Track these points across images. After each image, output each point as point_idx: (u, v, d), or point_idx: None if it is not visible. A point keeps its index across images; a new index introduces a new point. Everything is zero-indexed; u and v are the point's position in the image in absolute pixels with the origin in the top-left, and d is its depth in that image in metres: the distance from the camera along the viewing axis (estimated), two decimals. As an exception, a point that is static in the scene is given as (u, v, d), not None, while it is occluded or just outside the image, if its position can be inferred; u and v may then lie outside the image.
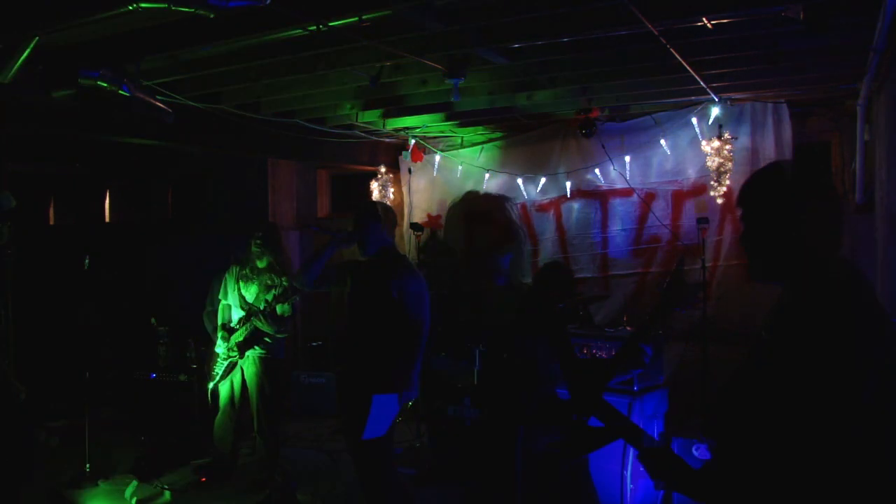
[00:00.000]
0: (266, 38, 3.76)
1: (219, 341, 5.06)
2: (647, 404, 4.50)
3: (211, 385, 5.15)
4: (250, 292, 5.03)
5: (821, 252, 1.75)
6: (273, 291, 4.96)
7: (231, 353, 5.02)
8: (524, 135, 7.15)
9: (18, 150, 5.87)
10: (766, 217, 1.78)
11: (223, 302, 5.13)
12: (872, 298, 1.71)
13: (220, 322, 5.13)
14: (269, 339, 5.03)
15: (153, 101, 4.18)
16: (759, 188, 1.83)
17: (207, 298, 5.21)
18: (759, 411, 1.68)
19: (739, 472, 1.69)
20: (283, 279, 4.95)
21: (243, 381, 5.14)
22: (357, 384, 3.92)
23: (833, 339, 1.60)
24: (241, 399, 5.24)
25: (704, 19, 3.49)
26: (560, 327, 2.76)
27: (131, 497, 4.88)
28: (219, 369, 5.08)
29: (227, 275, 5.11)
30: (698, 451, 4.17)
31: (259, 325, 4.94)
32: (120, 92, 3.80)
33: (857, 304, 1.67)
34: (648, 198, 6.42)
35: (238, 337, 4.98)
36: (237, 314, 5.07)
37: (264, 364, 5.00)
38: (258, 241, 4.95)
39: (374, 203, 4.15)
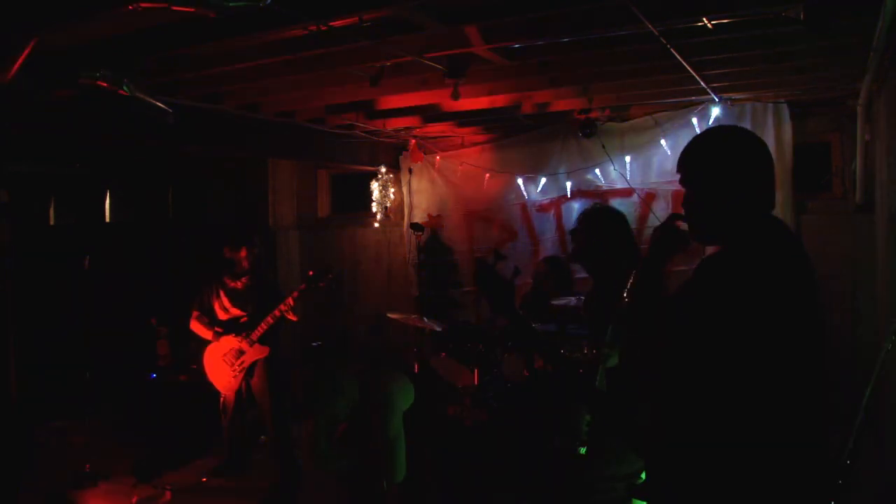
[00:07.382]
0: (266, 38, 3.76)
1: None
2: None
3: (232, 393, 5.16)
4: (237, 296, 5.05)
5: (758, 210, 1.86)
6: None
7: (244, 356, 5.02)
8: (524, 135, 7.14)
9: (18, 150, 5.86)
10: (713, 180, 1.88)
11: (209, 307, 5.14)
12: (798, 253, 1.82)
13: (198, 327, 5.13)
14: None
15: (153, 102, 4.17)
16: (705, 153, 1.92)
17: (195, 303, 5.20)
18: (689, 355, 1.80)
19: (671, 413, 1.83)
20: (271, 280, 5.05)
21: (251, 382, 5.13)
22: None
23: (754, 290, 1.71)
24: (248, 400, 5.24)
25: (704, 19, 3.48)
26: None
27: (132, 497, 4.88)
28: (231, 374, 5.08)
29: (212, 282, 5.12)
30: None
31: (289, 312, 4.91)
32: (120, 92, 3.79)
33: (779, 256, 1.79)
34: (649, 198, 6.41)
35: (258, 332, 4.97)
36: (227, 317, 5.08)
37: (273, 364, 5.01)
38: (244, 249, 4.99)
39: None
